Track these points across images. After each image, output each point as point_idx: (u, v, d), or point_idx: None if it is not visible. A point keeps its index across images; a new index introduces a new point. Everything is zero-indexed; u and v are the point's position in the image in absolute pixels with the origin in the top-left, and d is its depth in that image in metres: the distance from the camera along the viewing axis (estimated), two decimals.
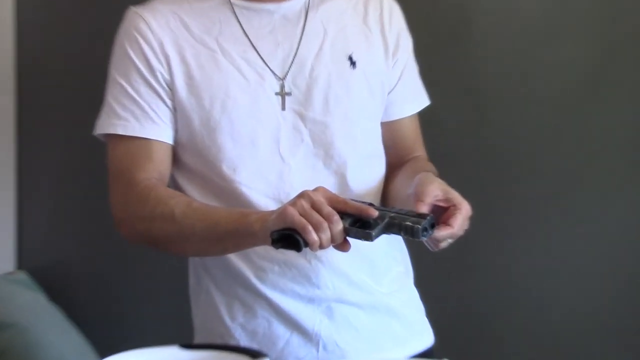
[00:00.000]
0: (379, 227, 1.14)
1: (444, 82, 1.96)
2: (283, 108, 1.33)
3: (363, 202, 1.18)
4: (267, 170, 1.33)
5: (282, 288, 1.34)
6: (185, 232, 1.25)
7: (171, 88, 1.33)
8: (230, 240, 1.24)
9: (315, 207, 1.13)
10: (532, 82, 2.03)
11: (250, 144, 1.32)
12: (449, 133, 2.05)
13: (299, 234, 1.12)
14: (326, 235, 1.12)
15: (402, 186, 1.34)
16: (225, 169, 1.32)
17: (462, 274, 2.09)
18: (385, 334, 1.40)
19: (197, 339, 1.43)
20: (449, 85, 2.01)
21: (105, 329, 2.33)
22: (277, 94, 1.33)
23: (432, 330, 1.48)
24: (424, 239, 1.15)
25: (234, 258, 1.34)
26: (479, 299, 2.09)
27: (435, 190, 1.21)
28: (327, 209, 1.13)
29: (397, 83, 1.44)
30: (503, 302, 2.09)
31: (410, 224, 1.13)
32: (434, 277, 1.82)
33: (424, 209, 1.18)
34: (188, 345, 1.14)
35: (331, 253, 1.26)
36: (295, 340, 1.35)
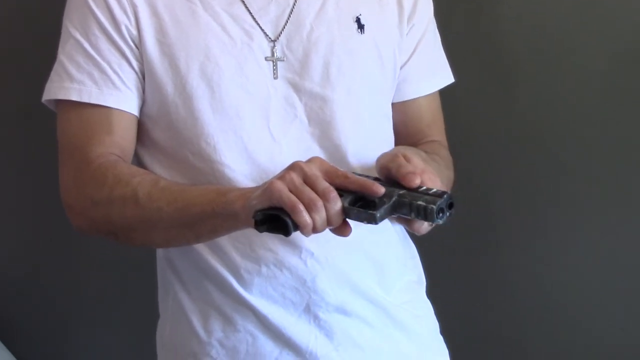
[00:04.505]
0: (385, 207, 1.04)
1: (464, 56, 1.74)
2: (275, 76, 1.24)
3: (367, 177, 1.07)
4: (254, 150, 1.23)
5: (271, 295, 1.24)
6: (152, 217, 1.15)
7: (139, 47, 1.22)
8: (205, 225, 1.13)
9: (308, 181, 1.03)
10: (574, 56, 1.80)
11: (235, 116, 1.22)
12: (471, 117, 1.85)
13: (287, 214, 1.01)
14: (321, 217, 1.02)
15: None
16: (204, 145, 1.22)
17: (483, 286, 1.94)
18: (394, 354, 1.30)
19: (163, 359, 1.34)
20: (472, 61, 1.83)
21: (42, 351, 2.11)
22: (267, 59, 1.24)
23: (447, 350, 1.40)
24: (440, 222, 1.05)
25: (208, 257, 1.24)
26: (503, 315, 1.94)
27: (393, 153, 1.12)
28: (323, 184, 1.03)
29: (411, 55, 1.33)
30: (531, 321, 1.93)
31: (423, 203, 1.03)
32: (450, 288, 1.73)
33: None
34: None
35: (332, 252, 1.21)
36: None
